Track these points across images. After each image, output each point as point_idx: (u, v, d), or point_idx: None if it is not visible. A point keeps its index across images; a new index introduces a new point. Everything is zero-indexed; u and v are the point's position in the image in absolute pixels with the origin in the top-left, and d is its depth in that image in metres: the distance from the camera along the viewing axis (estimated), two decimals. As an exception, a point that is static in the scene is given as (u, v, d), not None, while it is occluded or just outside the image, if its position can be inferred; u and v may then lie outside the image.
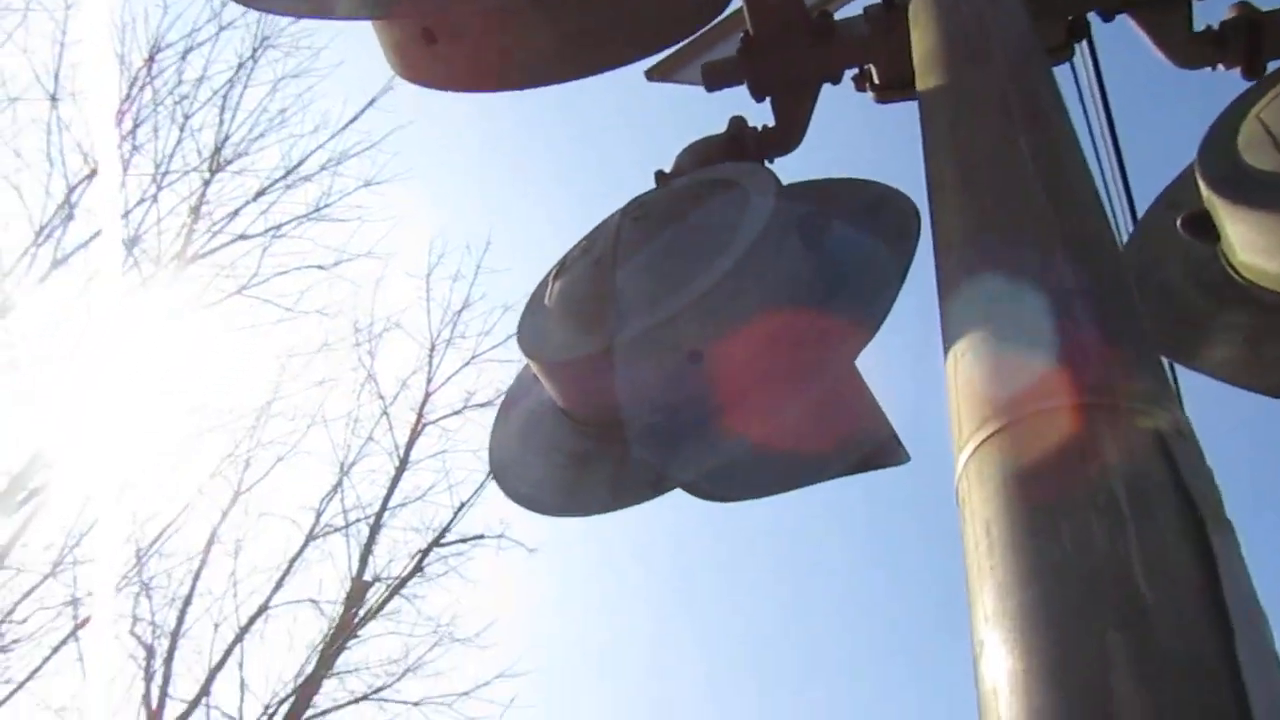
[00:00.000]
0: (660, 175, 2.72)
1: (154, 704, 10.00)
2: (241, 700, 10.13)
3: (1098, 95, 3.36)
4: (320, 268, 11.88)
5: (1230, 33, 2.86)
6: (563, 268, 2.45)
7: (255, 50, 12.01)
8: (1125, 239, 2.99)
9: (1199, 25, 2.91)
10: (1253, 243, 2.33)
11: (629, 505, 2.16)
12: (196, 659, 10.45)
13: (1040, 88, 1.87)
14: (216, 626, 10.57)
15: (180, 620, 10.56)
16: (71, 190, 10.47)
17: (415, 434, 12.19)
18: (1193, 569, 0.99)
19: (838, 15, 3.00)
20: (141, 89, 11.05)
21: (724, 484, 2.76)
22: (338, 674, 10.53)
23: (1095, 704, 0.89)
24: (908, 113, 2.47)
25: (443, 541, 11.55)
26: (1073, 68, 3.23)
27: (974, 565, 1.07)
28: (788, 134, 2.87)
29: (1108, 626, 0.94)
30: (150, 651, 10.33)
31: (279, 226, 11.69)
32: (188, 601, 10.66)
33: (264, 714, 10.06)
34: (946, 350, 1.38)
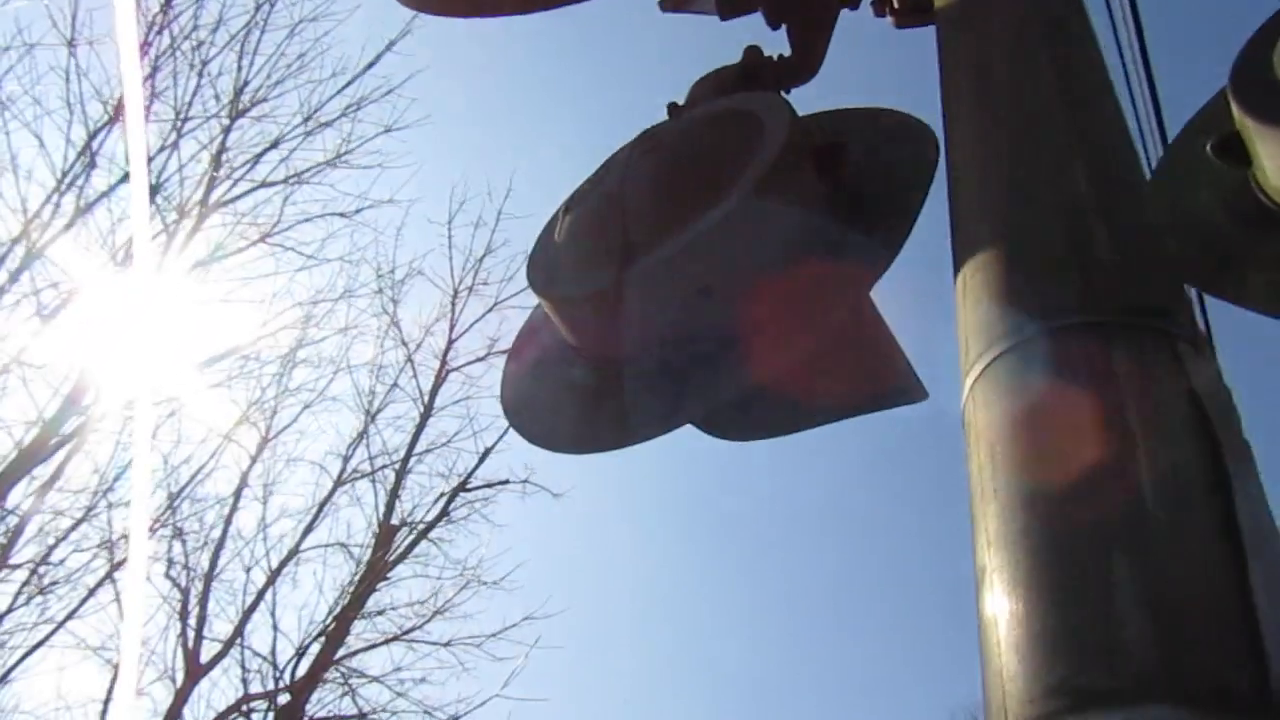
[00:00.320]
0: (673, 107, 2.65)
1: (190, 643, 10.22)
2: (274, 640, 10.35)
3: (1129, 12, 3.23)
4: (342, 215, 11.83)
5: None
6: (572, 202, 2.40)
7: (272, -8, 11.85)
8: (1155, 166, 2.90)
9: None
10: (1285, 166, 2.24)
11: (642, 440, 2.13)
12: (230, 601, 10.67)
13: (1062, 7, 1.79)
14: (248, 570, 10.76)
15: (213, 564, 10.75)
16: (92, 137, 10.46)
17: (439, 381, 12.23)
18: (1205, 492, 0.95)
19: (856, -61, 2.89)
20: (159, 33, 10.97)
21: (737, 422, 2.74)
22: (368, 616, 10.72)
23: (1098, 633, 0.85)
24: (929, 39, 2.39)
25: (468, 486, 11.64)
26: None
27: (977, 489, 1.03)
28: (804, 63, 2.78)
29: (1113, 550, 0.90)
30: (185, 593, 10.53)
31: (300, 174, 11.63)
32: (220, 545, 10.85)
33: (296, 654, 10.27)
34: (956, 273, 1.34)
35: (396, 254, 17.25)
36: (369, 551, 10.91)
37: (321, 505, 11.19)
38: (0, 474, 9.56)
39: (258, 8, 11.52)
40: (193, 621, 10.43)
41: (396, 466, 11.49)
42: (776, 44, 2.77)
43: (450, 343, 12.51)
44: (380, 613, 10.75)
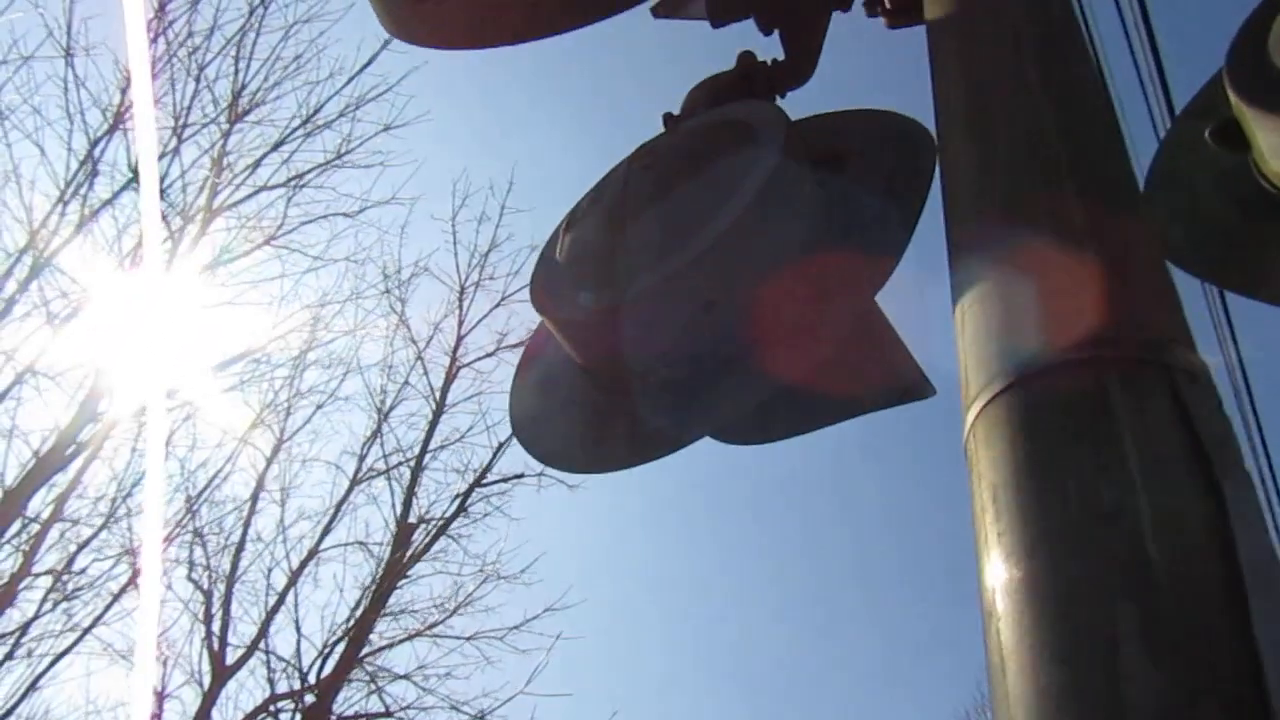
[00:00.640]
0: (668, 118, 2.65)
1: (215, 646, 10.32)
2: (298, 641, 10.44)
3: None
4: (346, 215, 11.85)
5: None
6: (572, 220, 2.40)
7: (264, -4, 11.82)
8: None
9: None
10: (1283, 150, 2.23)
11: (650, 460, 2.14)
12: (253, 602, 10.76)
13: (1053, 11, 1.78)
14: (269, 571, 10.85)
15: (234, 566, 10.83)
16: (94, 145, 10.47)
17: (450, 377, 12.27)
18: (1206, 531, 0.96)
19: (847, -63, 2.88)
20: (154, 40, 10.96)
21: (747, 428, 2.75)
22: (390, 613, 10.80)
23: (1104, 681, 0.87)
24: (922, 38, 2.38)
25: (484, 482, 11.69)
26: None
27: (981, 533, 1.05)
28: (799, 67, 2.77)
29: (1117, 597, 0.91)
30: (208, 596, 10.63)
31: (301, 176, 11.64)
32: (240, 548, 10.93)
33: (320, 653, 10.36)
34: (955, 301, 1.34)
35: (402, 252, 17.27)
36: (388, 549, 10.98)
37: (339, 505, 11.27)
38: (20, 482, 9.64)
39: (252, 11, 11.51)
40: (217, 624, 10.52)
41: (412, 464, 11.54)
42: (770, 49, 2.77)
43: (460, 339, 12.54)
44: (402, 611, 10.83)
